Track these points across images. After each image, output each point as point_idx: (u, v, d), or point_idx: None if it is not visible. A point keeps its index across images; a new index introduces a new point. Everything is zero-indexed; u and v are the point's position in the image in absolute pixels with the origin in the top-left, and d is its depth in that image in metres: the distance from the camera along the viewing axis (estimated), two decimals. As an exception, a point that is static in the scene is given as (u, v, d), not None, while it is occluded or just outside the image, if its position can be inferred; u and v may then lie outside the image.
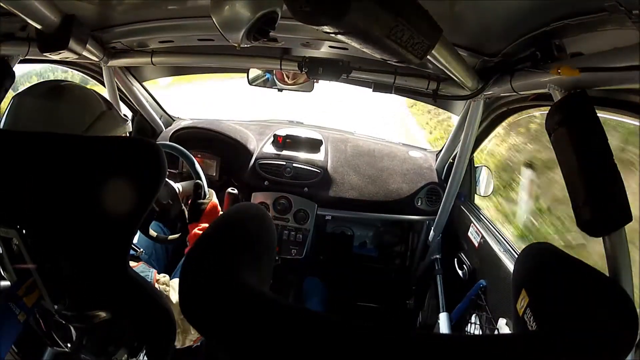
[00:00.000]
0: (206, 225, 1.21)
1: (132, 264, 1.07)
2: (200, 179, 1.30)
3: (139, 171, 0.72)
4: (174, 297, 0.97)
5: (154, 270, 1.01)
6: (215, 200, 1.29)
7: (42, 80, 0.98)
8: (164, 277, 1.01)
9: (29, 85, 0.87)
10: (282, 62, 1.34)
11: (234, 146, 1.86)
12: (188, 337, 1.00)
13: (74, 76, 1.92)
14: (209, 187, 1.32)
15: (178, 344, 1.00)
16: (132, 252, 1.06)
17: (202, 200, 1.25)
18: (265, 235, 0.51)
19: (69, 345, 0.87)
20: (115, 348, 0.84)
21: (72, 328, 0.84)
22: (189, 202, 1.28)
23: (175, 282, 1.03)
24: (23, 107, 0.84)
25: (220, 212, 1.28)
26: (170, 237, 1.33)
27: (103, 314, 0.79)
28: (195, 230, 1.21)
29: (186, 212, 1.28)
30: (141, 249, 1.09)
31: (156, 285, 0.97)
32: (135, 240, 1.29)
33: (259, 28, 0.72)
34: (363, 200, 1.78)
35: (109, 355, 0.85)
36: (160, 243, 1.34)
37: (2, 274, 0.80)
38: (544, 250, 0.56)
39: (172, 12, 1.01)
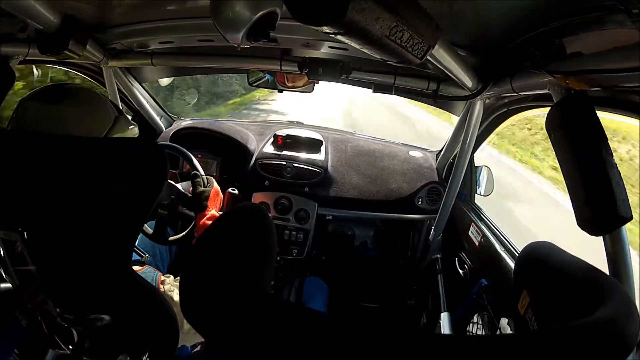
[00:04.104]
0: (214, 212, 1.21)
1: (137, 268, 1.07)
2: (197, 170, 1.30)
3: (141, 172, 0.72)
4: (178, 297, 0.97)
5: (159, 273, 1.01)
6: (216, 186, 1.29)
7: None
8: (168, 278, 1.01)
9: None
10: (282, 63, 1.34)
11: (234, 146, 1.86)
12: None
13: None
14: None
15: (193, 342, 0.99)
16: (137, 257, 1.06)
17: (203, 189, 1.25)
18: (266, 236, 0.51)
19: (71, 347, 0.87)
20: (117, 351, 0.84)
21: (74, 331, 0.84)
22: (190, 194, 1.28)
23: None
24: (31, 111, 0.82)
25: (222, 198, 1.28)
26: (172, 238, 1.32)
27: (105, 318, 0.79)
28: (204, 220, 1.21)
29: (187, 212, 1.27)
30: (147, 254, 1.09)
31: (161, 288, 0.97)
32: (138, 243, 1.29)
33: (259, 29, 0.72)
34: (364, 200, 1.79)
35: (111, 359, 0.85)
36: (157, 243, 1.34)
37: (4, 277, 0.80)
38: (544, 249, 0.56)
39: (172, 12, 1.01)
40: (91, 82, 1.69)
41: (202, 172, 1.31)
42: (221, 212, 1.24)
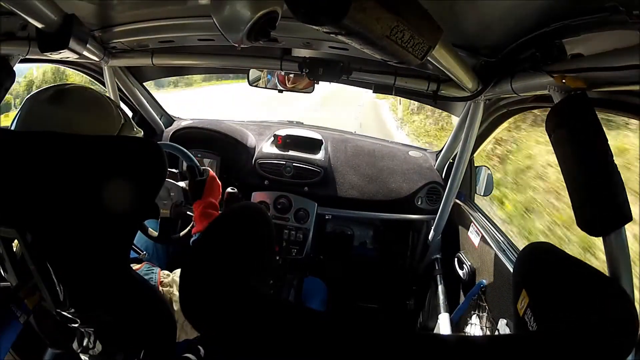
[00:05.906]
0: (211, 200, 1.20)
1: (135, 266, 1.07)
2: (192, 162, 1.29)
3: (140, 170, 0.72)
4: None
5: (158, 269, 1.01)
6: (212, 173, 1.28)
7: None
8: (167, 277, 1.01)
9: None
10: (282, 63, 1.34)
11: (234, 146, 1.86)
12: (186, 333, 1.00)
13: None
14: None
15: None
16: (135, 254, 1.06)
17: (199, 179, 1.25)
18: (265, 235, 0.51)
19: (69, 345, 0.87)
20: (114, 349, 0.84)
21: (72, 329, 0.84)
22: (187, 184, 1.28)
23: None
24: (36, 112, 0.78)
25: (220, 186, 1.27)
26: (172, 237, 1.32)
27: (104, 315, 0.79)
28: (202, 208, 1.20)
29: (187, 211, 1.27)
30: (144, 252, 1.09)
31: (160, 289, 0.97)
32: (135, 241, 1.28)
33: (260, 28, 0.72)
34: (363, 200, 1.79)
35: (109, 357, 0.85)
36: (162, 243, 1.34)
37: (3, 274, 0.80)
38: (544, 250, 0.56)
39: (173, 12, 1.01)
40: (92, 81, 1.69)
41: (197, 163, 1.29)
42: (220, 209, 1.24)
